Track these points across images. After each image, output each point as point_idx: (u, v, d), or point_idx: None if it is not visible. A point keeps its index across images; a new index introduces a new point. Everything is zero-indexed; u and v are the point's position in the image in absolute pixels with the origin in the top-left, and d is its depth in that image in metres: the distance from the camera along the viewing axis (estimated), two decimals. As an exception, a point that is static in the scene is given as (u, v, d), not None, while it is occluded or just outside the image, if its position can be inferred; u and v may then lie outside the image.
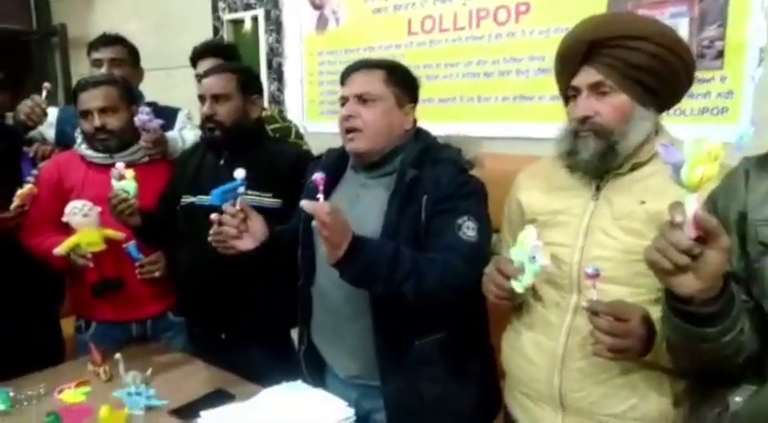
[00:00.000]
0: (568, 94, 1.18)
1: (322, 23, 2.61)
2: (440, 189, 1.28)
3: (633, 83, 1.08)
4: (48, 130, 2.18)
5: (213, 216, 1.47)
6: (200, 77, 1.87)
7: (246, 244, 1.35)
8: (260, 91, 1.83)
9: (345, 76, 1.41)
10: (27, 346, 1.96)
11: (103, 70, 2.14)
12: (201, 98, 1.72)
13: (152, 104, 2.27)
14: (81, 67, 3.84)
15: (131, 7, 3.61)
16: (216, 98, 1.70)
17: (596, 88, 1.10)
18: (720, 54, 1.66)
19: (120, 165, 1.63)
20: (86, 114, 1.78)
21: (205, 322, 1.79)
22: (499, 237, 1.36)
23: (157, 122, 1.80)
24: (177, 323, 1.92)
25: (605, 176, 1.13)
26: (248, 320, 1.71)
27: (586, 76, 1.11)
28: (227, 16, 2.99)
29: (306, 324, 1.48)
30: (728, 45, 1.65)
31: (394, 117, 1.37)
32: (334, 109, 2.70)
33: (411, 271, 1.19)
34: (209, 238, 1.48)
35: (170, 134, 1.97)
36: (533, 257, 1.03)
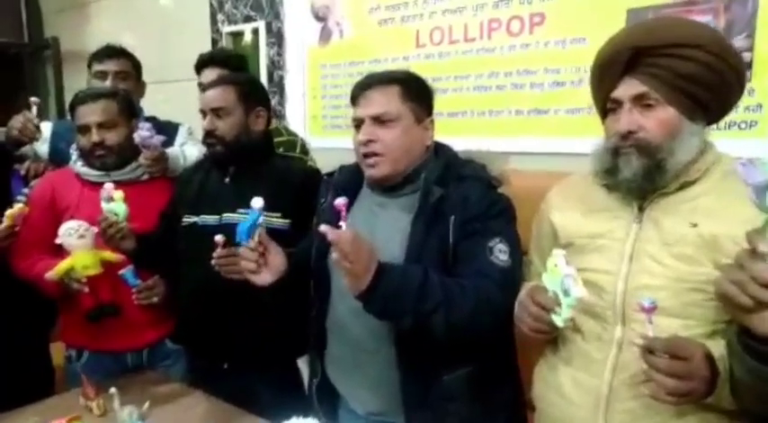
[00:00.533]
0: (607, 107, 1.09)
1: (325, 36, 2.54)
2: (468, 208, 1.19)
3: (682, 95, 1.00)
4: (41, 146, 2.07)
5: (217, 238, 1.37)
6: (202, 88, 1.77)
7: (265, 278, 1.25)
8: (264, 103, 1.73)
9: (357, 95, 1.32)
10: (15, 373, 1.85)
11: (107, 83, 2.04)
12: (202, 112, 1.64)
13: (152, 119, 2.20)
14: (74, 81, 3.76)
15: (126, 20, 3.53)
16: (216, 112, 1.61)
17: (640, 100, 1.02)
18: (749, 66, 1.58)
19: (108, 185, 1.53)
20: (84, 129, 1.68)
21: (206, 351, 1.67)
22: (527, 260, 1.27)
23: (159, 139, 1.71)
24: (175, 350, 1.81)
25: (648, 196, 1.04)
26: (253, 349, 1.59)
27: (629, 88, 1.02)
28: (226, 28, 2.91)
29: (319, 356, 1.38)
30: (757, 56, 1.57)
31: (414, 135, 1.28)
32: (338, 124, 2.64)
33: (442, 300, 1.09)
34: (213, 262, 1.39)
35: (171, 150, 1.87)
36: (567, 289, 0.93)
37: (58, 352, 1.96)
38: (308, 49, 2.61)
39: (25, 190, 1.79)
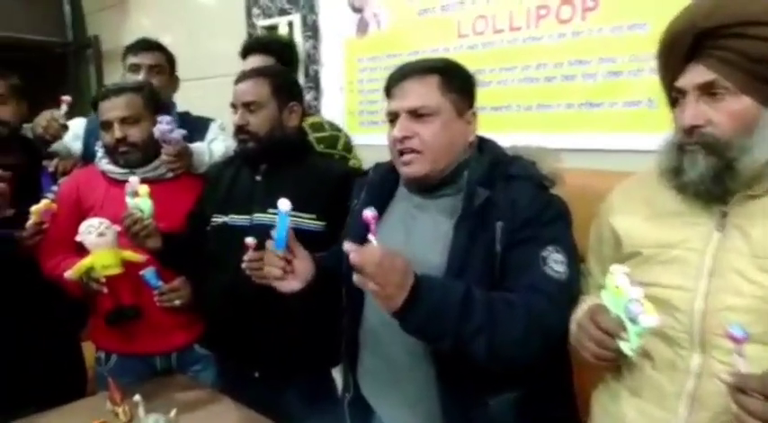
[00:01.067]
0: (673, 96, 0.95)
1: (362, 27, 2.43)
2: (518, 212, 1.06)
3: (757, 81, 0.85)
4: (74, 142, 2.04)
5: (248, 240, 1.29)
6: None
7: (291, 285, 1.15)
8: (298, 97, 1.64)
9: (392, 86, 1.20)
10: (48, 372, 1.84)
11: (140, 77, 1.99)
12: (233, 106, 1.56)
13: (184, 114, 2.15)
14: (114, 79, 3.76)
15: (164, 17, 3.52)
16: (248, 106, 1.52)
17: (707, 90, 0.88)
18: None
19: (133, 179, 1.47)
20: (107, 125, 1.63)
21: (235, 357, 1.60)
22: (584, 269, 1.14)
23: (179, 133, 1.63)
24: (205, 355, 1.75)
25: (730, 200, 0.90)
26: (285, 357, 1.52)
27: (694, 75, 0.89)
28: (261, 22, 2.84)
29: (352, 369, 1.28)
30: None
31: (455, 130, 1.16)
32: (376, 120, 2.53)
33: (485, 322, 0.98)
34: (243, 265, 1.31)
35: (196, 146, 1.80)
36: (634, 318, 0.80)
37: (90, 352, 1.93)
38: (345, 42, 2.51)
39: (54, 187, 1.76)
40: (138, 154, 1.63)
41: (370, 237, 0.97)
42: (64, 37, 4.33)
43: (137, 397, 1.39)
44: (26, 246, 1.61)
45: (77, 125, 2.06)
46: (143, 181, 1.54)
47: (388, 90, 1.21)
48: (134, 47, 2.08)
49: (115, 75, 3.78)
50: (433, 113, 1.14)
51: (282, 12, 2.75)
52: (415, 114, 1.14)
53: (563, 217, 1.11)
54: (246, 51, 1.94)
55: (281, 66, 1.69)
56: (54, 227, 1.61)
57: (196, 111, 2.14)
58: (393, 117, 1.18)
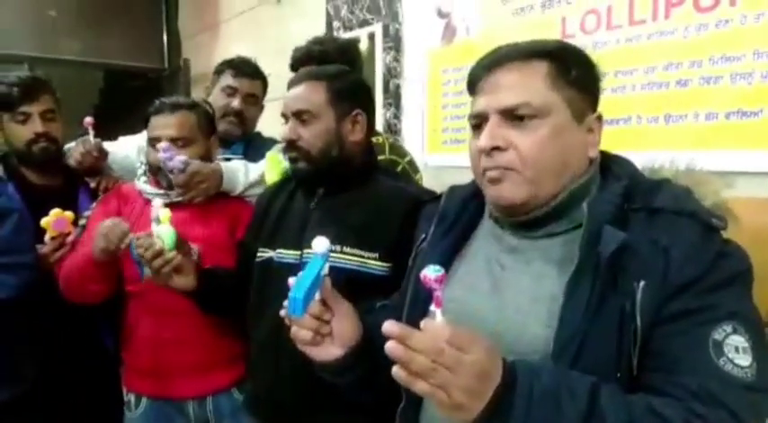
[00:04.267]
0: None
1: (449, 34, 2.15)
2: (674, 268, 0.69)
3: None
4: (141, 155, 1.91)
5: (291, 281, 1.00)
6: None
7: (328, 353, 0.86)
8: (364, 105, 1.31)
9: (479, 78, 0.86)
10: (84, 415, 1.68)
11: (235, 103, 1.81)
12: (284, 117, 1.28)
13: (255, 134, 1.95)
14: (202, 102, 3.79)
15: (251, 37, 3.46)
16: (299, 116, 1.24)
17: None
18: None
19: (157, 202, 1.23)
20: (155, 141, 1.44)
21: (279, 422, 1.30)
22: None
23: (179, 160, 1.40)
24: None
25: None
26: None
27: None
28: (342, 36, 2.64)
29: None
30: None
31: (570, 140, 0.81)
32: (461, 138, 2.20)
33: None
34: (282, 313, 1.01)
35: (229, 164, 1.57)
36: None
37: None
38: (429, 52, 2.23)
39: (92, 205, 1.61)
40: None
41: (433, 308, 0.65)
42: (161, 62, 4.45)
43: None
44: (52, 262, 1.49)
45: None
46: (178, 205, 1.33)
47: (473, 84, 0.88)
48: (235, 67, 1.88)
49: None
50: (539, 115, 0.79)
51: (363, 23, 2.54)
52: (512, 116, 0.81)
53: (743, 275, 0.72)
54: (300, 63, 1.62)
55: (341, 66, 1.41)
56: (87, 243, 1.45)
57: (277, 132, 1.96)
58: (479, 121, 0.85)
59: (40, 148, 1.61)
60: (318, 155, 1.25)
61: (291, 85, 1.30)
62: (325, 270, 0.83)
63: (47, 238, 1.48)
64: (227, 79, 1.86)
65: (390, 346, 0.62)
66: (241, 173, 1.54)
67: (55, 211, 1.48)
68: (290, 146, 1.26)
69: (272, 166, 1.55)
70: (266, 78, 1.95)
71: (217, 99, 1.83)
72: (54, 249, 1.49)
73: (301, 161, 1.26)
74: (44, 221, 1.47)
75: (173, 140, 1.44)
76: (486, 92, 0.84)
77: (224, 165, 1.53)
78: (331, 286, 0.86)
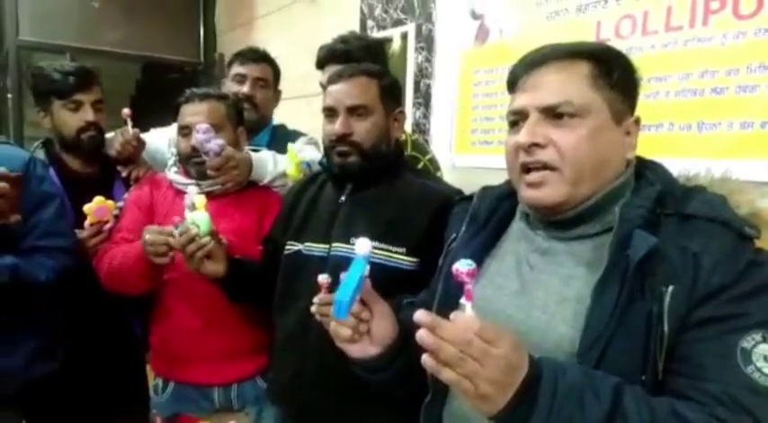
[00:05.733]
0: None
1: (482, 35, 2.15)
2: (703, 274, 0.70)
3: None
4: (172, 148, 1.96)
5: (321, 278, 1.01)
6: (323, 87, 1.41)
7: (365, 350, 0.89)
8: (401, 103, 1.39)
9: (520, 75, 0.88)
10: (111, 395, 1.74)
11: (245, 88, 1.87)
12: (330, 111, 1.29)
13: (279, 127, 2.00)
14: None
15: (286, 34, 3.51)
16: (354, 111, 1.25)
17: None
18: None
19: (191, 189, 1.27)
20: (186, 130, 1.48)
21: (305, 420, 1.32)
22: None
23: (217, 143, 1.41)
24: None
25: None
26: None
27: None
28: (375, 35, 2.66)
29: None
30: None
31: (609, 141, 0.82)
32: (490, 139, 2.20)
33: None
34: (313, 309, 1.03)
35: (258, 154, 1.60)
36: None
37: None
38: (461, 53, 2.24)
39: (125, 195, 1.66)
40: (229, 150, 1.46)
41: (463, 301, 0.66)
42: (197, 56, 4.53)
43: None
44: (89, 247, 1.54)
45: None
46: (209, 195, 1.36)
47: (514, 83, 0.89)
48: (241, 55, 1.96)
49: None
50: (580, 114, 0.80)
51: (397, 23, 2.55)
52: (553, 114, 0.82)
53: None
54: (324, 61, 1.64)
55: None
56: (123, 229, 1.51)
57: (305, 128, 2.01)
58: (518, 118, 0.86)
59: (89, 137, 1.67)
60: (370, 150, 1.27)
61: (337, 80, 1.30)
62: (367, 271, 0.84)
63: (86, 223, 1.53)
64: (236, 68, 1.92)
65: (421, 334, 0.64)
66: (270, 163, 1.58)
67: (98, 199, 1.52)
68: (342, 140, 1.27)
69: (290, 158, 1.59)
70: (275, 62, 1.99)
71: (229, 89, 1.88)
72: (92, 235, 1.54)
73: (353, 155, 1.27)
74: (87, 207, 1.51)
75: (211, 126, 1.46)
76: (528, 89, 0.85)
77: (253, 154, 1.56)
78: (370, 288, 0.88)
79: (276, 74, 2.02)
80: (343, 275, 0.83)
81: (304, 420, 1.30)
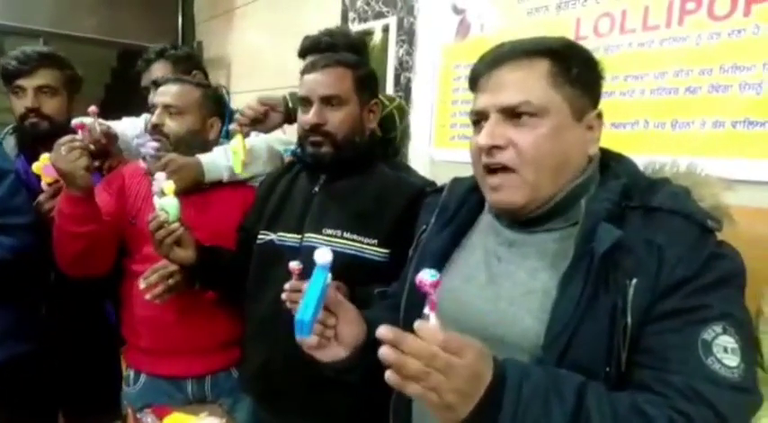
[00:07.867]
0: None
1: (463, 30, 2.15)
2: (666, 266, 0.71)
3: None
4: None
5: (293, 264, 1.01)
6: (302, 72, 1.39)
7: (333, 354, 0.88)
8: (376, 96, 1.38)
9: (480, 74, 0.87)
10: (85, 382, 1.72)
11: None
12: (305, 101, 1.29)
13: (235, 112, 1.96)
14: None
15: (266, 27, 3.46)
16: (328, 100, 1.26)
17: None
18: None
19: (159, 175, 1.25)
20: (153, 108, 1.48)
21: (275, 407, 1.32)
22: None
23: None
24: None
25: None
26: (336, 414, 1.23)
27: None
28: (356, 27, 2.65)
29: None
30: None
31: (570, 138, 0.83)
32: (469, 134, 2.22)
33: None
34: (283, 296, 1.04)
35: (210, 155, 1.51)
36: None
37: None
38: (442, 48, 2.24)
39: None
40: (170, 148, 1.43)
41: (427, 311, 0.66)
42: (174, 43, 4.45)
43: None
44: (46, 210, 1.48)
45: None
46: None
47: (475, 81, 0.89)
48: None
49: (214, 82, 3.83)
50: (539, 113, 0.81)
51: (378, 15, 2.54)
52: (512, 114, 0.82)
53: (736, 277, 0.73)
54: (307, 51, 1.63)
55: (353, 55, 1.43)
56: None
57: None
58: (479, 118, 0.86)
59: (31, 124, 1.61)
60: (343, 140, 1.27)
61: (312, 70, 1.30)
62: (329, 280, 0.83)
63: (43, 184, 1.47)
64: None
65: (384, 352, 0.63)
66: (222, 158, 1.51)
67: (44, 156, 1.43)
68: (315, 130, 1.27)
69: (234, 156, 1.51)
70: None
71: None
72: (50, 197, 1.48)
73: (326, 146, 1.27)
74: (35, 166, 1.45)
75: (166, 107, 1.45)
76: (488, 90, 0.85)
77: (202, 156, 1.49)
78: (335, 294, 0.87)
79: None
80: (304, 285, 0.82)
81: (274, 408, 1.31)
